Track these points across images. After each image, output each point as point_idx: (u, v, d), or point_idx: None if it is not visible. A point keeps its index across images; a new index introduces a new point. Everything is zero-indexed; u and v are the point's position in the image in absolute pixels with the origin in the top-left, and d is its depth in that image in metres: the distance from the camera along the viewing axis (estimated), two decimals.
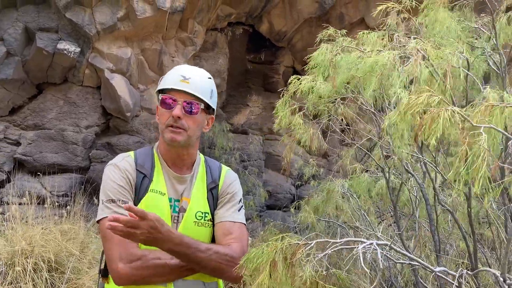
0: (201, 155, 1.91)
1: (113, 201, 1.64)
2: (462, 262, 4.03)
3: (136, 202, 1.69)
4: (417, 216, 3.58)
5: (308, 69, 3.22)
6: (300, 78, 3.42)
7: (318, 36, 3.33)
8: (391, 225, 4.52)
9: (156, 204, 1.70)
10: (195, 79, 1.73)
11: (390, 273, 3.44)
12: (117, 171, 1.70)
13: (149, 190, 1.71)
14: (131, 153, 1.82)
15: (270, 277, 1.42)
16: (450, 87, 1.93)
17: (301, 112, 3.72)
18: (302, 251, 1.43)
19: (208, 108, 1.79)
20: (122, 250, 1.57)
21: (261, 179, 8.49)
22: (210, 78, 1.82)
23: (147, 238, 1.51)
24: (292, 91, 3.43)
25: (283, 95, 3.57)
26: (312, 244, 1.44)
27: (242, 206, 1.86)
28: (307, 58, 3.31)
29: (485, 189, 1.35)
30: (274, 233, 4.89)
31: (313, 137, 3.86)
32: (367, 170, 4.88)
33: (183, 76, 1.72)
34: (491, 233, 3.11)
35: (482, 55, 2.90)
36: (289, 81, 3.51)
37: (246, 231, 1.85)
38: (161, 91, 1.76)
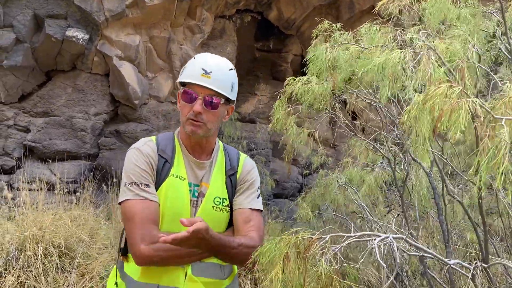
0: (220, 142, 1.95)
1: (135, 184, 1.69)
2: (470, 253, 4.02)
3: (157, 185, 1.74)
4: (417, 207, 3.58)
5: (307, 67, 3.23)
6: (295, 79, 3.45)
7: (314, 31, 3.33)
8: (399, 214, 4.53)
9: (176, 188, 1.76)
10: (216, 73, 1.74)
11: (395, 263, 3.45)
12: (140, 155, 1.75)
13: (170, 175, 1.76)
14: (153, 138, 1.87)
15: (283, 271, 1.43)
16: (470, 83, 1.89)
17: (294, 116, 3.76)
18: (316, 245, 1.43)
19: (228, 100, 1.81)
20: (144, 231, 1.62)
21: (268, 168, 8.50)
22: (231, 69, 1.82)
23: (193, 246, 1.59)
24: (289, 92, 3.46)
25: (279, 97, 3.61)
26: (327, 238, 1.44)
27: (260, 194, 1.91)
28: (305, 60, 3.33)
29: (508, 182, 1.33)
30: (276, 228, 4.93)
31: (310, 137, 3.92)
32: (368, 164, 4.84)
33: (204, 69, 1.73)
34: (502, 223, 3.10)
35: (490, 41, 2.85)
36: (285, 82, 3.55)
37: (262, 218, 1.92)
38: (183, 83, 1.78)
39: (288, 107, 3.46)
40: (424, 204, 3.59)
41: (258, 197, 1.88)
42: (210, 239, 1.58)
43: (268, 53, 9.65)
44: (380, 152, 3.42)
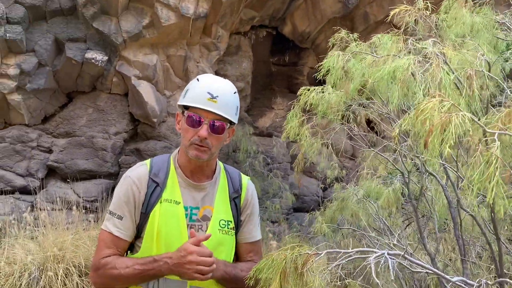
0: (220, 163, 1.94)
1: (111, 213, 1.77)
2: (490, 268, 3.89)
3: (147, 210, 1.75)
4: (436, 219, 3.49)
5: (320, 76, 3.19)
6: (309, 89, 3.42)
7: (329, 40, 3.30)
8: (414, 230, 4.43)
9: (169, 213, 1.75)
10: (222, 98, 1.72)
11: (415, 280, 3.37)
12: (126, 183, 1.79)
13: (162, 201, 1.76)
14: (148, 161, 1.86)
15: (281, 287, 1.43)
16: (477, 91, 1.85)
17: (309, 125, 3.72)
18: (312, 261, 1.43)
19: (231, 123, 1.80)
20: (95, 258, 1.76)
21: (287, 181, 8.47)
22: (235, 92, 1.81)
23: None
24: (302, 102, 3.43)
25: (293, 107, 3.59)
26: (322, 255, 1.43)
27: (259, 219, 1.98)
28: (318, 66, 3.29)
29: (501, 197, 1.31)
30: (293, 242, 4.87)
31: (327, 148, 3.89)
32: (379, 176, 4.76)
33: (210, 94, 1.71)
34: None
35: (505, 52, 2.79)
36: (299, 92, 3.52)
37: (261, 243, 2.01)
38: (187, 106, 1.76)
39: (302, 115, 3.41)
40: (441, 217, 3.50)
41: (259, 225, 1.94)
42: (219, 261, 1.68)
43: (284, 67, 9.70)
44: (394, 165, 3.37)
